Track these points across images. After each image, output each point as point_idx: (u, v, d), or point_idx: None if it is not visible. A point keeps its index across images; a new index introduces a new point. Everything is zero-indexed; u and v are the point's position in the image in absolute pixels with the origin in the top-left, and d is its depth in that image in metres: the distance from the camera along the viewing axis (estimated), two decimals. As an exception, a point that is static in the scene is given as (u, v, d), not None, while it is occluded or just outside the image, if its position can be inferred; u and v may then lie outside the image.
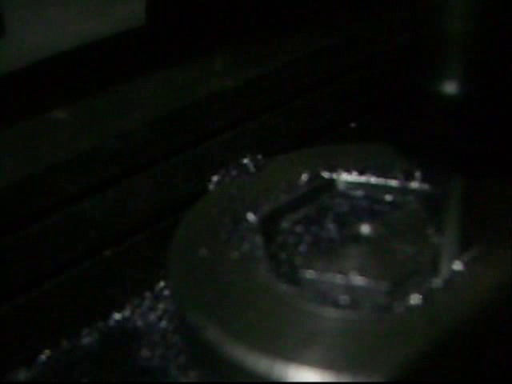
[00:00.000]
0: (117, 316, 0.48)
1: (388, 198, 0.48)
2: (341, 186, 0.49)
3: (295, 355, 0.38)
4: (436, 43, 0.39)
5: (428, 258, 0.43)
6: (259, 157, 0.52)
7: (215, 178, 0.51)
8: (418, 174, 0.48)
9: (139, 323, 0.47)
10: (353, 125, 0.59)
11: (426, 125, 0.41)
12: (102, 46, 0.54)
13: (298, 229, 0.46)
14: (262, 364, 0.38)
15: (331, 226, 0.46)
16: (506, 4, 0.38)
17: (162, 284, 0.49)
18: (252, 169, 0.51)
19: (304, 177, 0.49)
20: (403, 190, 0.48)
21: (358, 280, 0.42)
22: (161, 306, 0.48)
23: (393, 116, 0.43)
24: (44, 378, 0.45)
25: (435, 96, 0.39)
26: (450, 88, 0.39)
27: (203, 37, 0.58)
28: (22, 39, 0.51)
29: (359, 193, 0.49)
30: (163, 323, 0.47)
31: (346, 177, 0.49)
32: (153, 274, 0.49)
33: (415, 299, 0.40)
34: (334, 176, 0.49)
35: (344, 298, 0.41)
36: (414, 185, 0.48)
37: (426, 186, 0.47)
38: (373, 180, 0.49)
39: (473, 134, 0.40)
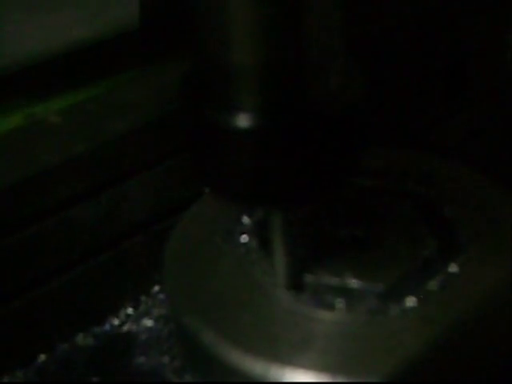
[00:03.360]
0: (112, 321, 0.48)
1: (383, 200, 0.48)
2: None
3: (291, 358, 0.38)
4: (224, 76, 0.37)
5: (423, 261, 0.43)
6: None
7: (210, 181, 0.51)
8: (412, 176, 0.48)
9: (134, 328, 0.47)
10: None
11: (230, 161, 0.38)
12: (96, 50, 0.54)
13: (293, 231, 0.46)
14: (257, 367, 0.38)
15: (326, 229, 0.46)
16: (287, 36, 0.35)
17: (157, 288, 0.49)
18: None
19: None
20: (398, 192, 0.48)
21: (353, 283, 0.42)
22: (156, 310, 0.48)
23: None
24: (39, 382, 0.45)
25: (232, 130, 0.37)
26: (244, 121, 0.36)
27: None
28: (16, 43, 0.51)
29: (354, 195, 0.48)
30: (158, 327, 0.47)
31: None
32: (148, 279, 0.49)
33: (411, 302, 0.40)
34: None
35: (339, 301, 0.41)
36: (409, 187, 0.48)
37: (420, 189, 0.47)
38: (367, 182, 0.48)
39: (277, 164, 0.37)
